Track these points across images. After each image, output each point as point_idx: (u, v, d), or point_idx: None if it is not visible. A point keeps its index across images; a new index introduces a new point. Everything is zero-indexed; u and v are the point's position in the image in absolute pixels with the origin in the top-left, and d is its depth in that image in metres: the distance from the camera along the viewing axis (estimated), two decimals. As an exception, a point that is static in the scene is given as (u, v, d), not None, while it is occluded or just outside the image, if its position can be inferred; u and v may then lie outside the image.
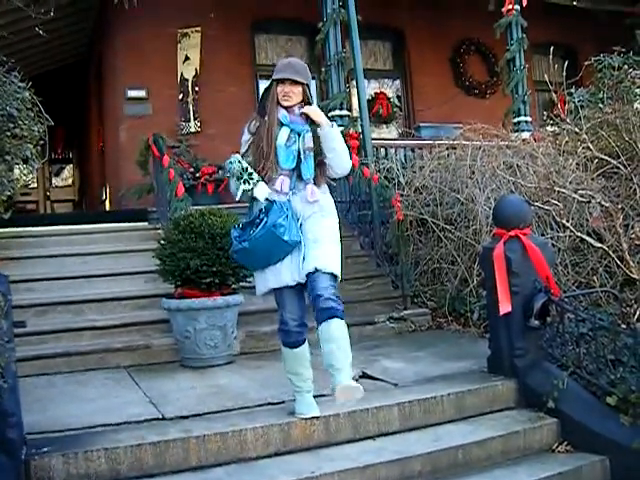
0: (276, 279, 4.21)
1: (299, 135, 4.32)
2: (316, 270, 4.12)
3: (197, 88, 11.34)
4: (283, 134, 4.30)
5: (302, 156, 4.31)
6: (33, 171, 6.33)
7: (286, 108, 4.36)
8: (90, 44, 13.20)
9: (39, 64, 12.55)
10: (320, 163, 4.36)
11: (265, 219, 4.13)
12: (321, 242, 4.20)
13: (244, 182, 4.18)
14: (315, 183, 4.32)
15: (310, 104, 4.43)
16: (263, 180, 4.23)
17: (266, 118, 4.33)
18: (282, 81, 4.35)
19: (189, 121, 11.32)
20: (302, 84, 4.37)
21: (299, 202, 4.27)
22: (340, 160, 4.40)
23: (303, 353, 4.29)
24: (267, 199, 4.21)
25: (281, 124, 4.33)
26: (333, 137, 4.34)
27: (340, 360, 4.06)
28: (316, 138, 4.33)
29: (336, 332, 4.08)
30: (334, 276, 4.18)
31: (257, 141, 4.31)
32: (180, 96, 11.32)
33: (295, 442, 4.17)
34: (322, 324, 4.09)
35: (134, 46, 10.93)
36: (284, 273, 4.18)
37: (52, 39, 10.96)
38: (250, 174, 4.19)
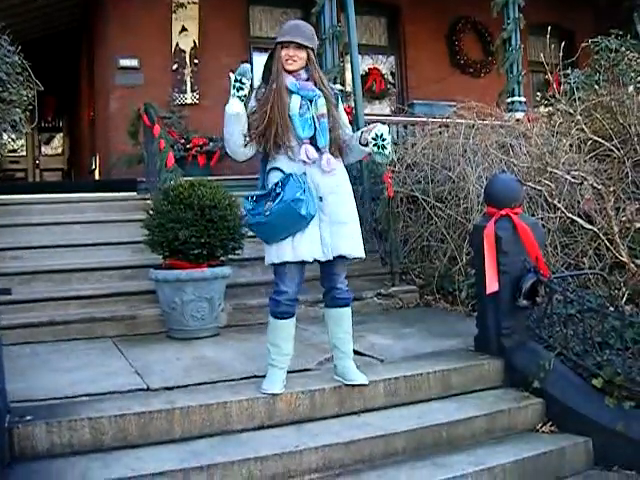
0: (294, 253, 4.11)
1: (310, 102, 4.21)
2: (342, 256, 4.20)
3: (196, 60, 11.25)
4: (295, 102, 4.18)
5: (317, 124, 4.20)
6: (21, 136, 6.29)
7: (290, 72, 4.23)
8: (83, 11, 13.02)
9: (31, 30, 12.38)
10: (334, 134, 4.27)
11: (282, 193, 4.05)
12: (347, 224, 4.22)
13: (238, 89, 4.04)
14: (331, 152, 4.24)
15: (315, 69, 4.30)
16: (281, 149, 4.17)
17: (274, 85, 4.18)
18: (287, 45, 4.21)
19: (185, 92, 11.24)
20: (307, 48, 4.23)
21: (317, 174, 4.18)
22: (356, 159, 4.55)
23: (288, 327, 4.27)
24: (280, 169, 4.16)
25: (290, 92, 4.19)
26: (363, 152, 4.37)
27: (347, 346, 4.43)
28: (330, 106, 4.26)
29: (345, 321, 4.39)
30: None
31: (266, 109, 4.14)
32: (175, 67, 11.23)
33: (280, 416, 4.16)
34: (334, 309, 4.37)
35: (127, 15, 10.82)
36: (302, 248, 4.11)
37: (44, 5, 10.85)
38: (243, 83, 4.05)
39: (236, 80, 4.03)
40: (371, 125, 4.26)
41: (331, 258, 4.17)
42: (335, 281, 4.30)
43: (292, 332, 4.32)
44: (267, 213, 4.07)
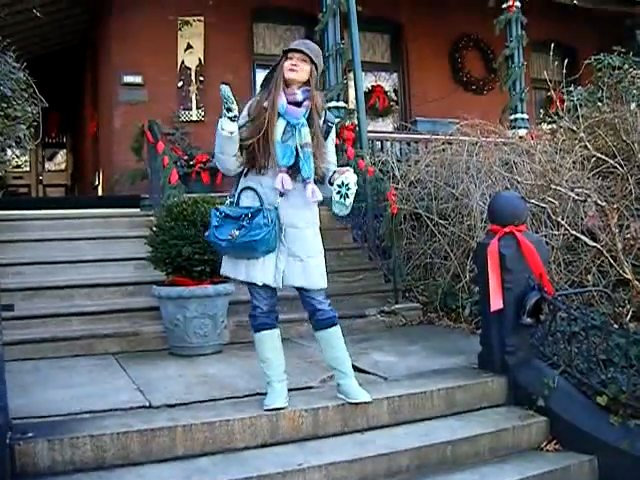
0: (246, 274, 4.17)
1: (295, 128, 4.12)
2: (305, 288, 4.21)
3: (202, 78, 11.30)
4: (279, 127, 4.10)
5: (300, 153, 4.10)
6: (26, 152, 6.30)
7: (289, 85, 4.14)
8: (87, 28, 13.11)
9: (36, 47, 12.45)
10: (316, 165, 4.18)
11: (248, 227, 4.03)
12: (303, 260, 4.17)
13: (228, 110, 3.94)
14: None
15: (315, 92, 4.22)
16: (260, 170, 4.14)
17: (265, 103, 4.11)
18: (292, 55, 4.13)
19: (190, 110, 11.28)
20: (312, 63, 4.15)
21: (287, 207, 4.14)
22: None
23: (271, 337, 4.29)
24: (255, 191, 4.14)
25: (277, 115, 4.10)
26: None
27: (345, 364, 4.38)
28: (315, 137, 4.16)
29: (336, 340, 4.33)
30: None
31: (256, 126, 4.09)
32: (180, 84, 11.27)
33: (283, 434, 4.14)
34: (321, 331, 4.31)
35: (131, 32, 10.87)
36: (255, 272, 4.14)
37: (49, 22, 10.91)
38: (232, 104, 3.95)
39: (225, 102, 3.94)
40: (343, 169, 4.16)
41: (281, 287, 4.19)
42: (313, 303, 4.26)
43: (277, 344, 4.33)
44: (229, 239, 4.08)
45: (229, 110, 3.93)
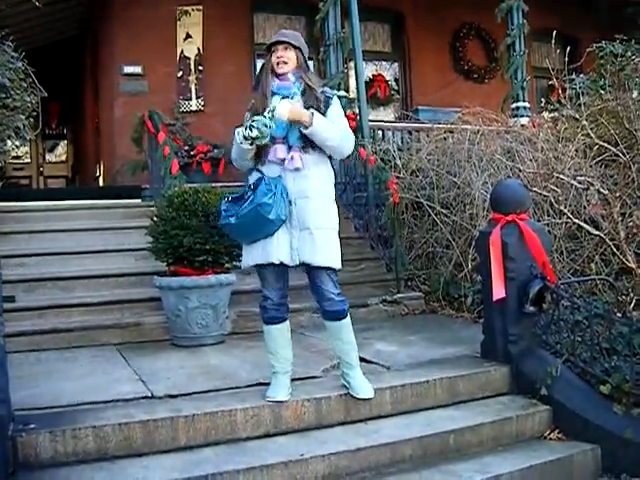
0: (263, 255, 4.14)
1: (288, 98, 4.18)
2: (315, 266, 4.13)
3: (201, 67, 11.26)
4: (274, 102, 4.16)
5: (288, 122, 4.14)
6: (25, 143, 6.28)
7: (281, 76, 4.23)
8: (87, 18, 13.05)
9: (36, 38, 12.39)
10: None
11: (252, 197, 4.05)
12: (313, 232, 4.10)
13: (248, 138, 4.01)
14: (305, 151, 4.16)
15: (307, 69, 4.30)
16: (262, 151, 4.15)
17: (259, 90, 4.25)
18: (275, 49, 4.22)
19: (190, 100, 11.23)
20: (295, 48, 4.22)
21: (290, 176, 4.13)
22: (336, 151, 4.25)
23: (280, 332, 4.28)
24: (259, 170, 4.16)
25: (272, 94, 4.20)
26: (321, 138, 4.12)
27: (351, 356, 4.35)
28: (309, 104, 4.18)
29: (345, 332, 4.28)
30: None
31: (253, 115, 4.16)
32: (179, 74, 11.22)
33: (286, 424, 4.13)
34: (330, 322, 4.26)
35: (131, 22, 10.81)
36: (271, 251, 4.11)
37: (49, 12, 10.85)
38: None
39: (250, 136, 3.99)
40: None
41: (297, 263, 4.13)
42: (321, 293, 4.20)
43: (287, 336, 4.32)
44: (238, 215, 4.10)
45: (251, 138, 4.01)
